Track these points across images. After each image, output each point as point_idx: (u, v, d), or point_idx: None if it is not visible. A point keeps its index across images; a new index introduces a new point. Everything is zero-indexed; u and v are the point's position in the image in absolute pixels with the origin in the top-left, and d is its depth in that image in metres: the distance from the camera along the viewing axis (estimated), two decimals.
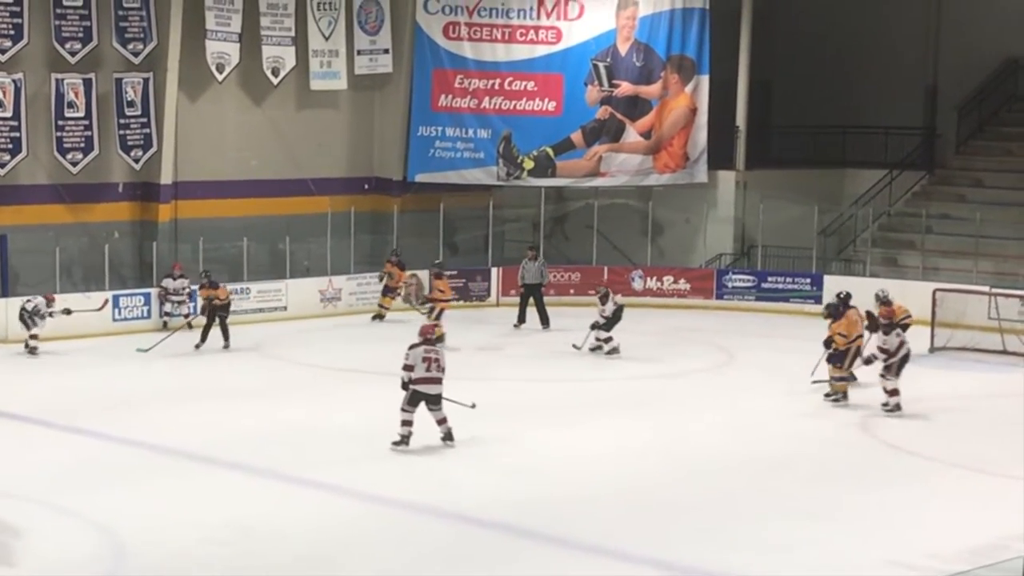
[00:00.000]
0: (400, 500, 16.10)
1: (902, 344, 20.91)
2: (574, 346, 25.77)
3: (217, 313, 25.98)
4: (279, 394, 22.25)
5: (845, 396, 21.49)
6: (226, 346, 25.83)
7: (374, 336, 27.46)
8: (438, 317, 26.21)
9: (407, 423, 18.16)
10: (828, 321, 22.05)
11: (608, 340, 25.69)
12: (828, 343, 21.60)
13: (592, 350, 25.76)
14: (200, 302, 26.58)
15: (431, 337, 18.61)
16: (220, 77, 29.95)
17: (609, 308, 25.71)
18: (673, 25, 33.54)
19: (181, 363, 24.80)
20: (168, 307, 27.77)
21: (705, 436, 19.68)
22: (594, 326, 25.73)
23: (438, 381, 18.17)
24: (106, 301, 26.69)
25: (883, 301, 23.04)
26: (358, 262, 30.36)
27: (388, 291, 29.28)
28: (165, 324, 27.49)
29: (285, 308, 29.29)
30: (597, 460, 18.10)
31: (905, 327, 23.96)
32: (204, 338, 25.87)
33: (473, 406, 18.57)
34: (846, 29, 36.61)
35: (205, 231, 29.32)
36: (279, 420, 20.22)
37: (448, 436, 18.26)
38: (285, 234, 30.03)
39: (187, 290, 27.68)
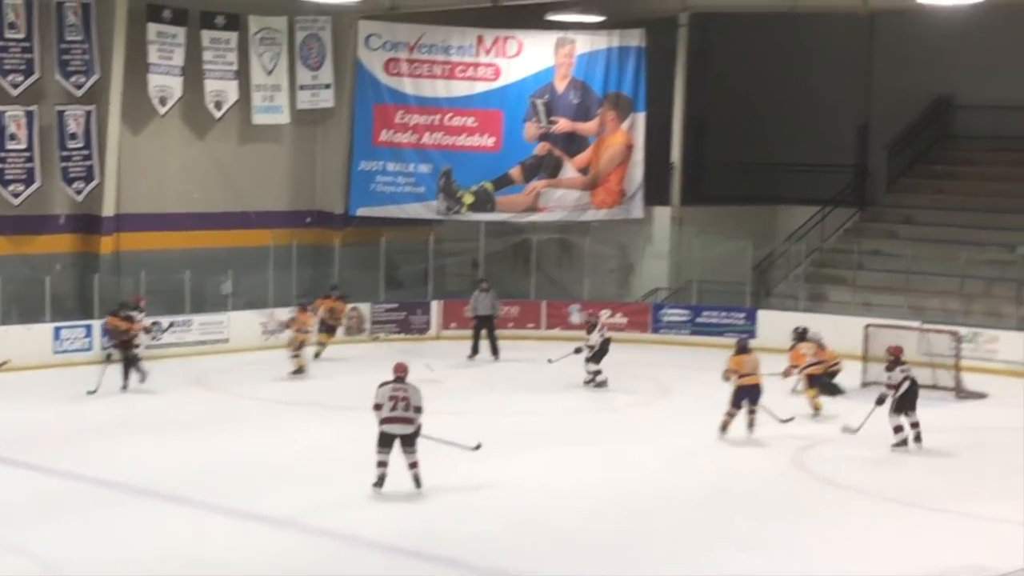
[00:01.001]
0: (341, 532, 16.24)
1: (905, 379, 21.17)
2: (549, 360, 26.74)
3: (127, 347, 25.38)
4: (222, 427, 22.32)
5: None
6: (124, 386, 24.99)
7: (316, 369, 27.60)
8: (298, 348, 26.56)
9: (380, 464, 17.68)
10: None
11: (598, 373, 26.08)
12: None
13: (586, 383, 26.21)
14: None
15: (402, 375, 17.98)
16: (163, 110, 30.18)
17: (595, 338, 26.09)
18: (610, 63, 34.07)
19: (122, 396, 24.71)
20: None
21: (641, 469, 19.86)
22: (579, 353, 26.29)
23: (407, 421, 17.62)
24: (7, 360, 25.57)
25: (811, 339, 23.81)
26: (300, 295, 30.57)
27: (325, 328, 28.99)
28: (108, 357, 27.53)
29: (227, 340, 29.46)
30: (533, 493, 18.16)
31: (832, 374, 24.71)
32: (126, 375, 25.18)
33: (477, 447, 18.54)
34: (780, 67, 37.24)
35: (147, 263, 29.32)
36: (222, 453, 20.26)
37: (417, 482, 17.71)
38: (227, 266, 30.18)
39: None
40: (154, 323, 27.12)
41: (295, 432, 21.97)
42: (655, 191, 34.32)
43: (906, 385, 21.11)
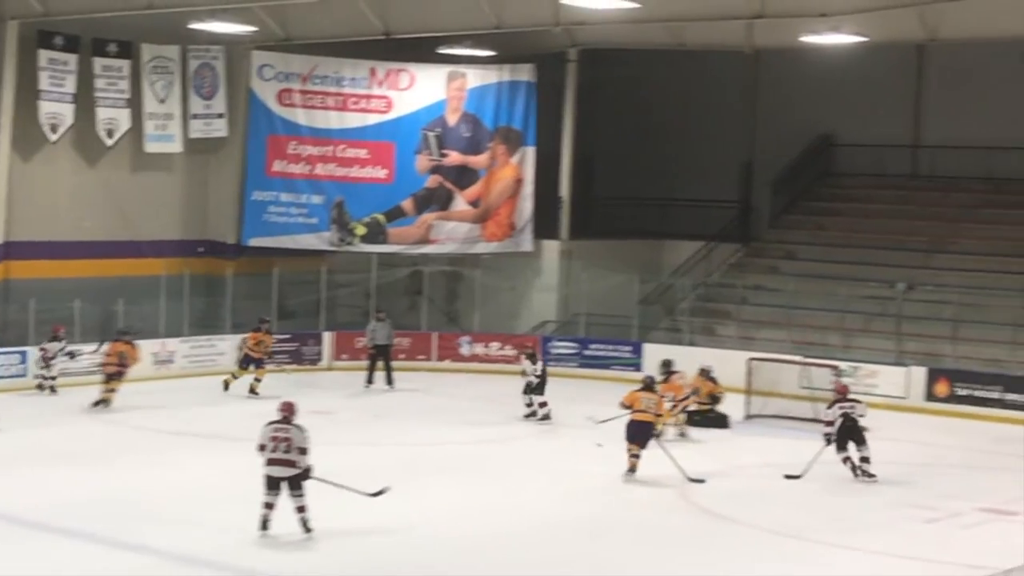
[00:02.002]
0: (226, 563, 16.17)
1: (842, 415, 21.64)
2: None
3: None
4: (112, 458, 22.15)
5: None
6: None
7: (208, 399, 27.64)
8: (108, 380, 26.34)
9: (266, 505, 16.86)
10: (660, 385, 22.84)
11: (543, 404, 26.27)
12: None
13: (527, 416, 26.38)
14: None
15: (287, 415, 17.17)
16: (53, 137, 30.14)
17: (540, 368, 26.37)
18: (501, 97, 34.57)
19: (11, 427, 24.21)
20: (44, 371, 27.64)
21: (528, 501, 19.99)
22: (527, 390, 26.39)
23: (289, 464, 16.78)
24: None
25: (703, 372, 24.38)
26: (192, 325, 30.60)
27: (252, 361, 28.50)
28: (40, 386, 27.45)
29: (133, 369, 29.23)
30: (421, 526, 18.01)
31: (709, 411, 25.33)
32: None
33: (378, 493, 17.87)
34: (666, 104, 37.90)
35: (37, 292, 29.12)
36: (111, 485, 20.03)
37: (305, 527, 16.85)
38: (118, 296, 30.01)
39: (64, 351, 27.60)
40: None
41: (188, 464, 21.87)
42: (544, 224, 34.83)
43: (839, 421, 21.64)
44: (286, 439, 16.86)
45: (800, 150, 37.01)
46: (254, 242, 32.97)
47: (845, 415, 21.67)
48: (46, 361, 27.56)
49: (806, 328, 31.43)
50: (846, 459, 21.71)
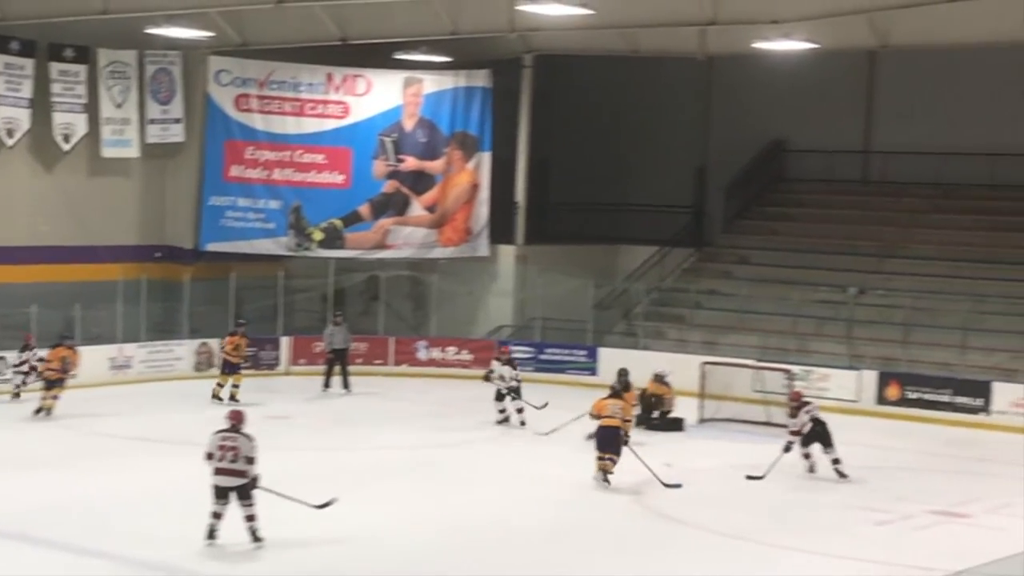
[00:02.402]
0: (183, 569, 16.26)
1: (809, 420, 22.14)
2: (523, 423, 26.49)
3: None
4: (70, 464, 22.11)
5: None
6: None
7: (166, 404, 27.72)
8: (49, 387, 26.11)
9: (214, 515, 16.71)
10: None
11: (520, 410, 26.33)
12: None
13: (499, 423, 26.46)
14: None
15: (235, 424, 16.90)
16: (10, 142, 30.13)
17: (517, 373, 26.51)
18: (457, 103, 34.75)
19: None
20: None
21: (484, 506, 20.10)
22: (500, 396, 26.41)
23: (236, 473, 16.57)
24: None
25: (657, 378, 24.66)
26: (149, 330, 30.62)
27: (231, 367, 28.36)
28: (17, 395, 27.52)
29: (75, 376, 29.21)
30: (375, 533, 18.04)
31: (666, 413, 25.62)
32: None
33: (325, 505, 17.64)
34: (622, 109, 38.28)
35: None
36: (70, 491, 20.02)
37: (254, 536, 16.68)
38: (75, 301, 29.90)
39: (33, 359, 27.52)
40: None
41: (146, 469, 21.89)
42: (500, 230, 35.05)
43: (809, 426, 22.10)
44: (233, 448, 16.63)
45: (753, 155, 37.41)
46: (211, 247, 32.99)
47: (815, 419, 22.14)
48: (21, 371, 27.59)
49: (759, 332, 31.74)
50: (807, 455, 22.20)
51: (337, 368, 30.22)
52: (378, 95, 34.19)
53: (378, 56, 33.24)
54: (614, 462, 21.33)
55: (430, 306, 34.37)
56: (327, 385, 30.03)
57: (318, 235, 33.73)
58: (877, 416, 28.63)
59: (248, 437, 16.78)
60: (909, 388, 28.81)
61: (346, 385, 30.07)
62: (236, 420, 16.99)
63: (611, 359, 30.13)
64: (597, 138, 38.11)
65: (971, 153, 34.12)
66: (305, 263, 34.44)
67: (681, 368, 28.13)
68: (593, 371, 31.31)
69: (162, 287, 32.17)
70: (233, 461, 16.56)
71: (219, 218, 33.11)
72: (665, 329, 33.59)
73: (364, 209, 34.13)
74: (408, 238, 34.49)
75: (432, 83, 34.51)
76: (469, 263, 34.84)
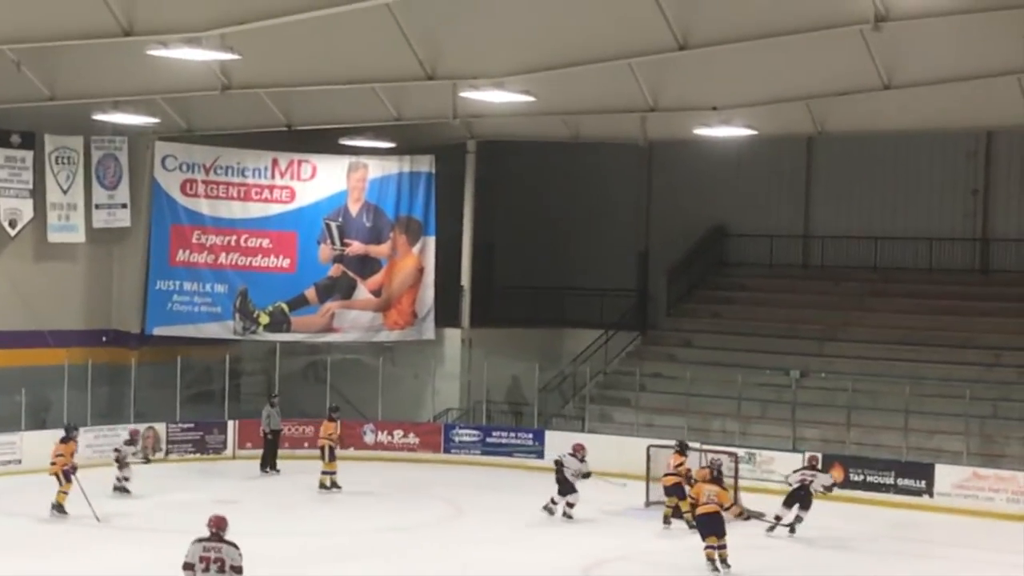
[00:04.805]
0: None
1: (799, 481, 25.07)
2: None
3: None
4: (14, 551, 21.95)
5: None
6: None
7: (110, 489, 27.58)
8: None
9: None
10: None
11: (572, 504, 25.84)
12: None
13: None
14: None
15: (218, 531, 15.42)
16: None
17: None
18: (401, 187, 34.96)
19: None
20: None
21: None
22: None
23: None
24: None
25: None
26: (95, 414, 30.52)
27: (327, 452, 28.81)
28: None
29: (19, 461, 29.00)
30: None
31: None
32: None
33: None
34: (564, 194, 38.59)
35: None
36: None
37: None
38: (21, 385, 29.86)
39: None
40: None
41: (95, 556, 21.86)
42: (446, 313, 35.19)
43: (797, 484, 24.92)
44: (219, 559, 15.13)
45: (695, 239, 37.78)
46: (158, 331, 32.94)
47: (803, 482, 24.54)
48: None
49: (704, 415, 31.94)
50: (779, 516, 24.21)
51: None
52: (323, 180, 34.40)
53: (323, 141, 33.43)
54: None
55: (377, 389, 34.34)
56: (266, 467, 30.22)
57: (264, 319, 33.79)
58: (821, 498, 28.73)
59: (233, 545, 15.35)
60: (853, 470, 29.05)
61: (275, 466, 30.43)
62: (219, 527, 15.45)
63: (557, 442, 30.23)
64: (541, 222, 38.45)
65: (909, 238, 34.76)
66: (252, 346, 34.52)
67: (627, 451, 28.31)
68: (540, 454, 31.43)
69: (108, 371, 32.14)
70: (220, 572, 15.12)
71: (166, 302, 33.12)
72: (611, 412, 33.74)
73: (310, 293, 34.24)
74: (354, 321, 34.60)
75: (377, 168, 34.76)
76: (415, 346, 34.96)
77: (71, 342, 31.89)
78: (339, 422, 29.43)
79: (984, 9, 20.26)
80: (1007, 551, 23.68)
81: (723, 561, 21.36)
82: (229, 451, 32.31)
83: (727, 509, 22.11)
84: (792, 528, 24.42)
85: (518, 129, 33.33)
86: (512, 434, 32.90)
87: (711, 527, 21.58)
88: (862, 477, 28.97)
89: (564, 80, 24.85)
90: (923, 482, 28.38)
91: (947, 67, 24.01)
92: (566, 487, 25.63)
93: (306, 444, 31.77)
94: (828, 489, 25.54)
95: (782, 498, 25.21)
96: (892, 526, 26.39)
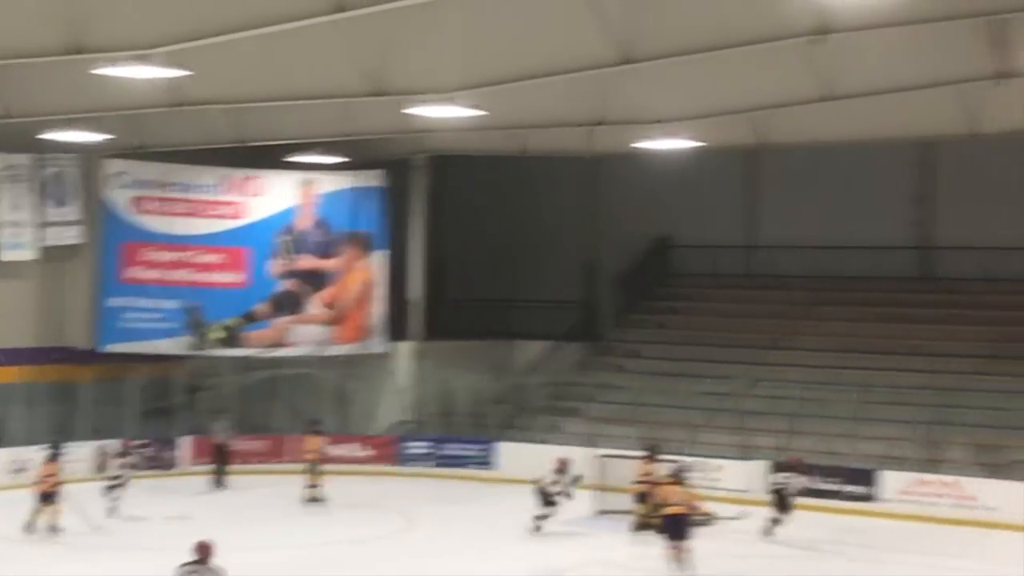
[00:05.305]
0: None
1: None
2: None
3: None
4: None
5: None
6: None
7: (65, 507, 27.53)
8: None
9: None
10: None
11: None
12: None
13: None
14: None
15: (203, 557, 15.19)
16: None
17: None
18: (351, 202, 35.22)
19: None
20: None
21: None
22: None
23: None
24: None
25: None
26: (48, 432, 30.52)
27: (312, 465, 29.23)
28: None
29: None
30: None
31: None
32: None
33: None
34: (514, 207, 38.87)
35: None
36: None
37: None
38: None
39: None
40: None
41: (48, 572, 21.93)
42: (397, 326, 35.43)
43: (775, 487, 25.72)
44: None
45: (641, 251, 38.14)
46: (110, 348, 33.00)
47: (779, 487, 25.48)
48: None
49: (652, 424, 32.03)
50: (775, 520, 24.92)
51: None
52: (274, 195, 34.60)
53: (274, 157, 33.56)
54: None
55: (329, 403, 34.47)
56: (218, 482, 30.63)
57: (217, 334, 33.90)
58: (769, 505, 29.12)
59: (219, 570, 15.16)
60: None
61: (224, 481, 30.81)
62: (204, 553, 15.20)
63: (509, 453, 30.43)
64: (490, 235, 38.72)
65: (853, 247, 35.14)
66: (204, 362, 34.57)
67: (577, 461, 28.44)
68: (491, 465, 31.68)
69: (60, 389, 32.06)
70: None
71: (117, 319, 33.16)
72: (561, 422, 33.92)
73: (262, 308, 34.40)
74: (306, 336, 34.77)
75: (327, 183, 34.97)
76: (367, 359, 35.13)
77: (23, 360, 31.93)
78: (322, 436, 29.71)
79: (922, 20, 20.61)
80: (950, 555, 24.16)
81: (684, 563, 21.53)
82: (182, 467, 32.36)
83: (696, 512, 22.46)
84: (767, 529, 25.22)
85: (466, 143, 33.49)
86: (464, 446, 33.11)
87: (677, 528, 21.80)
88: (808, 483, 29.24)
89: (512, 95, 25.05)
90: (868, 488, 28.72)
91: (886, 78, 24.34)
92: (548, 502, 25.64)
93: (255, 460, 31.90)
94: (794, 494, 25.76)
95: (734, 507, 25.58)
96: (838, 531, 26.67)
